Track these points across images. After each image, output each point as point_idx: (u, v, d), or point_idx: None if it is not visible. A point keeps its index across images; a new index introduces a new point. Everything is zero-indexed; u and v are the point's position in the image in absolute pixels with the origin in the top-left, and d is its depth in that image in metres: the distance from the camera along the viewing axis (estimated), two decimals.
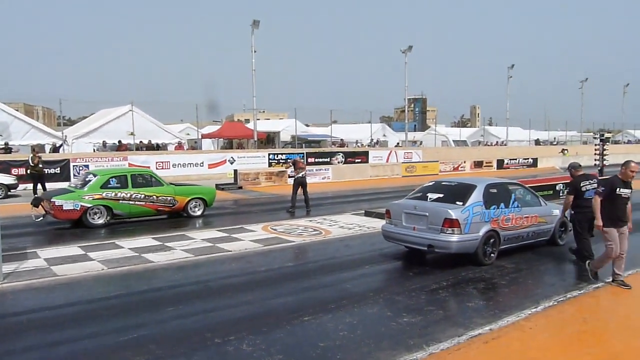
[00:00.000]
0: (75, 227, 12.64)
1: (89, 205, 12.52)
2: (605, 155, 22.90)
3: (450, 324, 6.01)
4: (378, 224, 11.56)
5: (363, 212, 14.63)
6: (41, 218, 12.80)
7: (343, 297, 7.00)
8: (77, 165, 22.21)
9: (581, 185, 8.51)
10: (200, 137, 34.04)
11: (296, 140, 36.02)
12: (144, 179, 13.65)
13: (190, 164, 25.43)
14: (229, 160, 26.95)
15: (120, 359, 5.11)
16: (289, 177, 15.99)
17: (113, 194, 12.83)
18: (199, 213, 14.33)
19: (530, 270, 8.64)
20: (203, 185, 16.51)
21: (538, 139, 55.32)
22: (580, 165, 9.00)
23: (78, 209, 12.39)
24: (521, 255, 9.38)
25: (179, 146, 30.97)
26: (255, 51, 30.19)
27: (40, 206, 12.76)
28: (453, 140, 50.94)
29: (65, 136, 27.02)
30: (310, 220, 13.58)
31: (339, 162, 30.72)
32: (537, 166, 37.99)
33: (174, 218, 13.90)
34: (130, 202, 13.05)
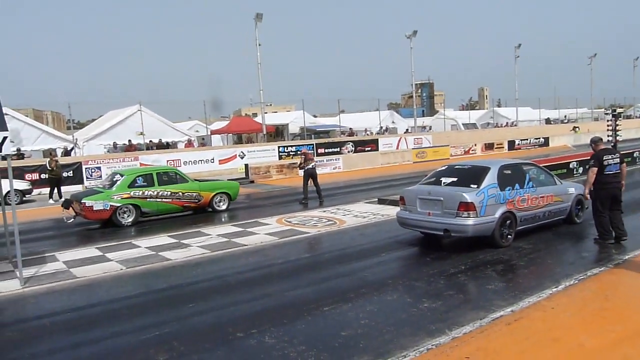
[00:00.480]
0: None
1: (119, 205, 12.77)
2: (618, 130, 22.55)
3: (471, 308, 5.98)
4: (392, 211, 11.54)
5: (376, 200, 14.59)
6: (72, 219, 12.99)
7: (362, 286, 7.00)
8: (89, 168, 22.37)
9: (604, 159, 8.37)
10: (209, 133, 34.10)
11: (305, 131, 35.96)
12: (169, 177, 13.89)
13: (200, 160, 25.48)
14: (239, 155, 26.98)
15: (144, 357, 5.15)
16: (299, 168, 15.97)
17: (140, 192, 13.07)
18: (224, 207, 14.56)
19: (548, 250, 8.57)
20: (225, 180, 16.73)
21: (548, 117, 54.77)
22: (601, 139, 8.82)
23: (108, 208, 12.65)
24: (539, 236, 9.31)
25: (189, 143, 31.07)
26: (259, 44, 30.11)
27: (70, 208, 12.96)
28: (462, 124, 50.55)
29: (76, 139, 27.22)
30: (324, 211, 13.57)
31: (349, 152, 30.62)
32: (548, 145, 37.61)
33: (188, 215, 13.95)
34: (158, 200, 13.31)
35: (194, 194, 13.93)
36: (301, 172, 15.68)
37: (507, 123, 52.28)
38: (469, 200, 8.22)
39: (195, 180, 14.64)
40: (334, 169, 26.31)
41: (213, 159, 26.01)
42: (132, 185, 13.09)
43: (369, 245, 9.62)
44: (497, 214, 8.45)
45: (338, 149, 30.37)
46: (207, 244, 10.16)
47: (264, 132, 32.29)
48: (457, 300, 6.33)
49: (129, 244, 10.50)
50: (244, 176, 23.17)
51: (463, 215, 8.26)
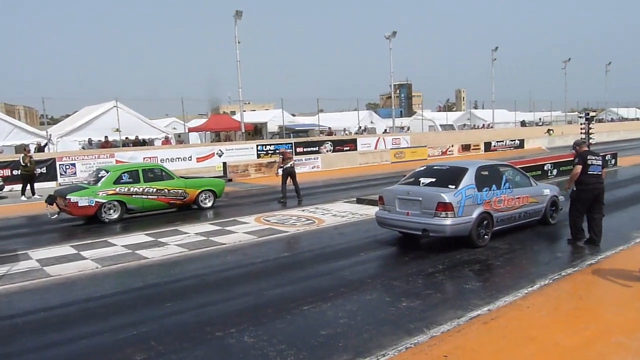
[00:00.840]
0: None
1: (104, 201, 12.69)
2: (591, 133, 23.06)
3: (449, 307, 6.05)
4: (371, 210, 11.60)
5: (355, 199, 14.64)
6: (56, 215, 12.90)
7: (341, 285, 7.01)
8: (63, 164, 21.93)
9: (588, 158, 8.50)
10: (187, 131, 33.76)
11: (284, 130, 35.90)
12: (154, 174, 13.86)
13: (178, 158, 25.21)
14: (217, 153, 26.78)
15: (121, 357, 5.07)
16: (279, 168, 15.96)
17: (126, 189, 13.04)
18: (209, 204, 14.58)
19: (524, 250, 8.72)
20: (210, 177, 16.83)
21: (524, 120, 55.62)
22: (584, 142, 8.90)
23: (93, 205, 12.57)
24: (514, 236, 9.46)
25: (166, 141, 30.70)
26: (239, 42, 29.90)
27: (54, 204, 12.82)
28: (440, 125, 51.10)
29: (50, 135, 26.64)
30: (303, 210, 13.56)
31: (327, 151, 30.66)
32: (524, 147, 38.23)
33: (165, 213, 13.80)
34: (143, 197, 13.29)
35: (180, 191, 13.95)
36: (280, 171, 15.65)
37: (483, 125, 53.01)
38: (447, 201, 8.31)
39: (181, 177, 14.67)
40: (312, 168, 26.31)
41: (191, 157, 25.76)
42: (117, 181, 13.03)
43: (348, 244, 9.65)
44: (475, 215, 8.56)
45: (317, 149, 30.39)
46: (185, 242, 10.05)
47: (243, 131, 32.11)
48: (436, 299, 6.39)
49: (105, 242, 10.33)
50: (222, 174, 22.99)
51: (441, 216, 8.34)
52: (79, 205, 12.40)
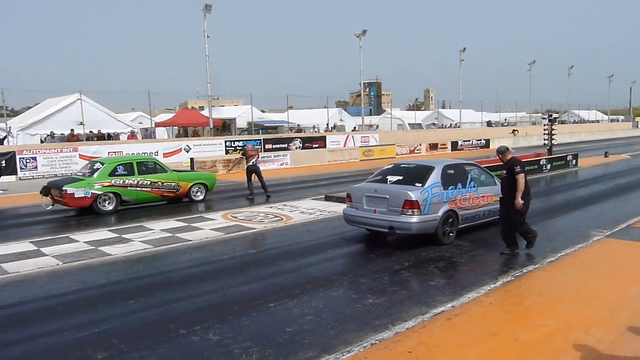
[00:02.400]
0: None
1: (100, 193, 12.89)
2: (554, 134, 23.72)
3: (414, 303, 6.13)
4: (338, 208, 11.63)
5: (323, 196, 14.66)
6: (50, 207, 12.98)
7: (307, 282, 7.02)
8: (24, 158, 21.26)
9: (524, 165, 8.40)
10: (153, 125, 33.19)
11: (253, 126, 35.66)
12: (148, 166, 14.12)
13: (144, 153, 24.72)
14: (184, 149, 26.43)
15: (81, 355, 4.95)
16: (234, 165, 16.02)
17: (121, 181, 13.26)
18: (201, 197, 14.87)
19: (487, 247, 8.89)
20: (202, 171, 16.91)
21: (490, 120, 56.74)
22: (508, 149, 8.44)
23: (89, 196, 12.73)
24: (479, 234, 9.65)
25: (132, 135, 30.09)
26: (208, 36, 29.56)
27: (49, 195, 12.90)
28: (408, 124, 51.64)
29: (10, 127, 25.77)
30: (271, 207, 13.51)
31: (296, 148, 30.63)
32: (489, 147, 38.97)
33: (129, 209, 13.53)
34: (138, 189, 13.54)
35: (173, 184, 14.23)
36: (235, 169, 15.78)
37: (450, 124, 53.85)
38: (414, 199, 8.41)
39: (174, 170, 14.95)
40: (281, 165, 26.23)
41: (157, 152, 25.31)
42: (112, 173, 13.23)
43: (315, 241, 9.66)
44: (440, 212, 8.69)
45: (286, 145, 30.32)
46: (150, 239, 9.88)
47: (211, 126, 31.75)
48: (401, 296, 6.46)
49: (66, 239, 10.06)
50: (189, 170, 22.67)
51: (408, 213, 8.43)
52: (75, 196, 12.52)
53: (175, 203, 14.47)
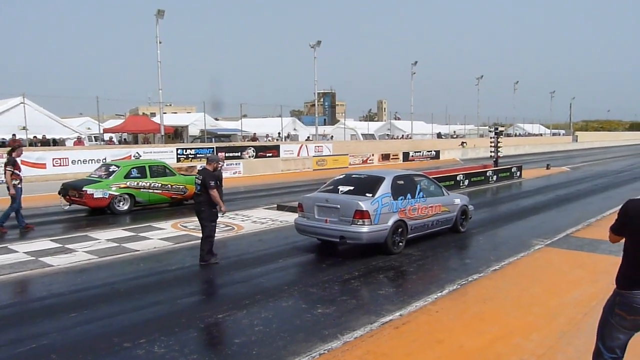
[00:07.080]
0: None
1: (117, 194, 13.77)
2: (500, 147, 24.59)
3: (363, 312, 6.19)
4: (291, 217, 11.63)
5: (275, 206, 14.62)
6: (67, 207, 13.77)
7: (257, 292, 6.97)
8: None
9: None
10: (101, 131, 32.19)
11: (205, 134, 35.18)
12: (159, 170, 15.01)
13: (91, 160, 23.89)
14: (134, 156, 25.69)
15: None
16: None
17: (135, 183, 14.17)
18: None
19: (435, 256, 9.10)
20: None
21: (440, 132, 58.21)
22: (216, 158, 9.07)
23: (107, 197, 13.59)
24: (427, 243, 9.86)
25: (79, 141, 29.06)
26: (160, 42, 29.03)
27: (67, 196, 13.65)
28: (362, 134, 52.20)
29: None
30: (222, 216, 13.29)
31: (250, 157, 30.41)
32: (439, 158, 40.02)
33: (72, 218, 13.06)
34: (150, 191, 14.47)
35: (181, 186, 15.08)
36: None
37: (402, 135, 54.83)
38: (364, 209, 8.52)
39: (181, 174, 15.97)
40: (234, 173, 25.97)
41: (105, 159, 24.54)
42: (127, 176, 14.08)
43: (267, 251, 9.61)
44: (390, 222, 8.83)
45: (239, 154, 30.05)
46: (95, 249, 9.56)
47: (162, 133, 31.11)
48: (350, 305, 6.51)
49: (5, 249, 9.59)
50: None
51: (358, 223, 8.53)
52: (95, 196, 13.36)
53: (174, 206, 15.09)
